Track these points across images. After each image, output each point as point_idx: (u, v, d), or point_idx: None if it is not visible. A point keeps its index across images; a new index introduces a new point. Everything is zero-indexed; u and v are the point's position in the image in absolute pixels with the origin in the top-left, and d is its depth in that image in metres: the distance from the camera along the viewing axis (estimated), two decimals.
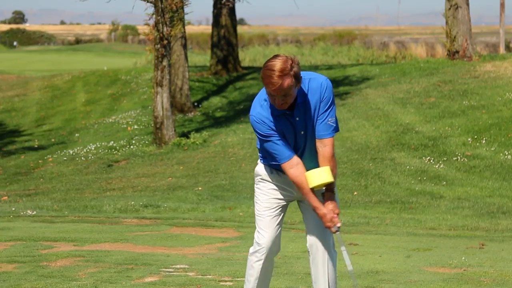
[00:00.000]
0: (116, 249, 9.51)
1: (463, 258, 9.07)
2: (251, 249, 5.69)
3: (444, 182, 16.27)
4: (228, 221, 12.47)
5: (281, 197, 5.65)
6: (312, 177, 5.42)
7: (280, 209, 5.67)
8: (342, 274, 7.99)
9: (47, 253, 9.09)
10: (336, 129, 5.50)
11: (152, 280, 7.66)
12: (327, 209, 5.44)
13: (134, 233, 10.86)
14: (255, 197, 5.73)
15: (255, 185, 5.76)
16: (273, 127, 5.42)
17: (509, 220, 13.02)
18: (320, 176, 5.41)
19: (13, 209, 14.01)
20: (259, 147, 5.67)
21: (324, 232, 5.58)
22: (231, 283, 7.56)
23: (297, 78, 5.26)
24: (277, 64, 5.20)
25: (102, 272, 8.00)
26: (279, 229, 5.66)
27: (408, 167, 17.34)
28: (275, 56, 5.27)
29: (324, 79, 5.42)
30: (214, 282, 7.61)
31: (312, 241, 5.61)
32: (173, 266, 8.37)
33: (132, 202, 14.49)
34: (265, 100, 5.44)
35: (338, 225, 5.46)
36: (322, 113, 5.42)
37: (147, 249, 9.56)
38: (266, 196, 5.65)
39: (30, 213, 13.37)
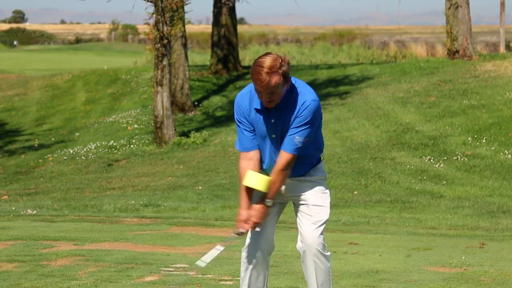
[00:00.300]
0: (116, 248, 9.51)
1: (463, 257, 9.07)
2: (244, 246, 5.70)
3: (444, 182, 16.27)
4: (228, 220, 12.47)
5: None
6: (248, 176, 5.49)
7: (275, 208, 5.67)
8: (342, 273, 8.00)
9: (47, 252, 9.09)
10: (303, 150, 5.45)
11: (152, 279, 7.66)
12: (244, 212, 5.51)
13: (134, 233, 10.86)
14: None
15: None
16: (246, 117, 5.51)
17: (509, 220, 13.02)
18: (254, 179, 5.46)
19: (13, 208, 14.01)
20: None
21: (313, 233, 5.57)
22: (231, 282, 7.56)
23: (286, 77, 5.30)
24: (267, 61, 5.26)
25: (102, 271, 8.00)
26: (272, 227, 5.67)
27: (408, 166, 17.35)
28: (266, 54, 5.34)
29: (311, 99, 5.40)
30: (214, 281, 7.61)
31: (301, 242, 5.61)
32: (173, 265, 8.37)
33: (132, 202, 14.50)
34: (253, 91, 5.49)
35: (241, 230, 5.52)
36: (293, 128, 5.42)
37: (147, 248, 9.57)
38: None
39: (30, 212, 13.38)
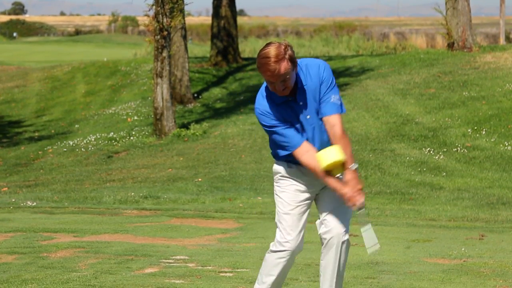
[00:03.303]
0: (116, 240, 9.52)
1: (462, 249, 9.08)
2: (273, 247, 5.56)
3: (444, 173, 16.27)
4: (228, 212, 12.48)
5: (305, 193, 5.57)
6: (321, 158, 5.35)
7: (306, 206, 5.58)
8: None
9: (47, 244, 9.10)
10: (342, 109, 5.49)
11: (152, 271, 7.67)
12: (346, 189, 5.38)
13: (134, 224, 10.87)
14: (275, 196, 5.62)
15: (274, 183, 5.66)
16: (277, 117, 5.41)
17: (509, 211, 13.02)
18: (329, 155, 5.33)
19: (13, 200, 14.02)
20: (271, 145, 5.64)
21: (345, 221, 5.54)
22: (231, 274, 7.56)
23: (293, 61, 5.29)
24: (271, 50, 5.25)
25: (102, 263, 8.01)
26: (305, 228, 5.58)
27: (408, 158, 17.35)
28: (267, 44, 5.32)
29: (321, 62, 5.46)
30: (214, 273, 7.62)
31: (327, 228, 5.53)
32: (173, 257, 8.38)
33: (132, 193, 14.50)
34: (266, 90, 5.45)
35: (360, 202, 5.37)
36: (324, 93, 5.42)
37: (147, 240, 9.57)
38: (289, 193, 5.56)
39: (30, 204, 13.38)
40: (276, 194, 5.63)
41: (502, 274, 7.72)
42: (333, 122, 5.42)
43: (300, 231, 5.55)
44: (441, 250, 9.01)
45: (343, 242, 5.53)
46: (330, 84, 5.43)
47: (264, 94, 5.46)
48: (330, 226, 5.53)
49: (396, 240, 9.79)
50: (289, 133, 5.42)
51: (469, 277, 7.54)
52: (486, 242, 9.80)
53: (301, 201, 5.57)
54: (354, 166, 5.42)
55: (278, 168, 5.63)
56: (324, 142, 5.49)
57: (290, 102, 5.42)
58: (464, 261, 8.39)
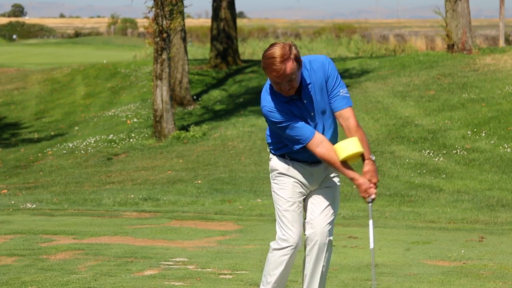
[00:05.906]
0: (116, 242, 9.52)
1: (462, 251, 9.08)
2: (275, 245, 5.60)
3: (444, 175, 16.27)
4: (227, 214, 12.47)
5: (301, 190, 5.61)
6: (340, 149, 5.42)
7: (302, 202, 5.64)
8: (341, 267, 8.00)
9: (47, 246, 9.10)
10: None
11: (151, 273, 7.67)
12: (363, 179, 5.44)
13: (133, 226, 10.87)
14: (274, 194, 5.66)
15: (272, 181, 5.68)
16: (285, 112, 5.41)
17: (509, 213, 13.02)
18: (348, 147, 5.41)
19: (13, 202, 14.01)
20: (270, 140, 5.64)
21: (326, 221, 5.58)
22: (230, 276, 7.56)
23: (298, 60, 5.30)
24: (276, 51, 5.24)
25: (102, 265, 8.01)
26: (302, 223, 5.64)
27: (407, 160, 17.35)
28: (272, 45, 5.32)
29: (324, 57, 5.47)
30: (214, 275, 7.62)
31: (313, 229, 5.58)
32: (173, 259, 8.38)
33: (132, 195, 14.50)
34: (271, 88, 5.45)
35: (373, 196, 5.45)
36: (332, 88, 5.46)
37: (146, 242, 9.57)
38: (287, 190, 5.60)
39: (30, 206, 13.38)
40: (274, 192, 5.66)
41: (501, 276, 7.72)
42: (346, 115, 5.49)
43: (300, 226, 5.61)
44: (441, 252, 9.01)
45: (326, 244, 5.59)
46: (336, 79, 5.47)
47: (269, 92, 5.45)
48: (316, 227, 5.59)
49: (395, 242, 9.80)
50: (300, 126, 5.43)
51: (468, 279, 7.54)
52: (485, 244, 9.80)
53: (299, 197, 5.62)
54: (372, 157, 5.50)
55: (276, 165, 5.66)
56: (329, 138, 5.52)
57: (295, 100, 5.43)
58: (463, 263, 8.39)
